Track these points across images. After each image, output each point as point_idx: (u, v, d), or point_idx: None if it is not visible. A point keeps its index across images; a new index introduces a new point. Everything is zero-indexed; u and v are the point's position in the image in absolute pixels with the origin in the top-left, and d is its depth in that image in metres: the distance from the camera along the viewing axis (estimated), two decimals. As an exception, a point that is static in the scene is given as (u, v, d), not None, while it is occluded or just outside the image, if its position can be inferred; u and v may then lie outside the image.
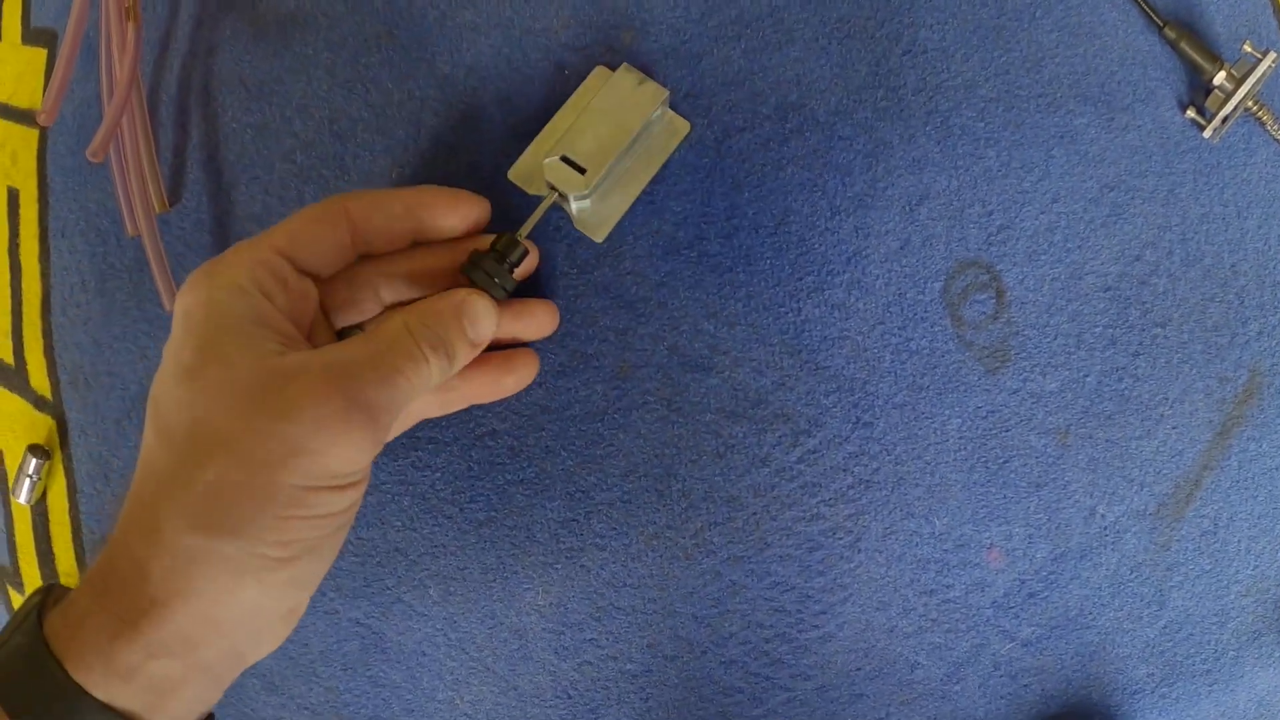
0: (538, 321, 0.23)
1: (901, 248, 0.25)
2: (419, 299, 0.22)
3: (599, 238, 0.23)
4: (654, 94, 0.23)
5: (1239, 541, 0.30)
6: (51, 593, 0.20)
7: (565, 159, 0.22)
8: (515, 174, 0.24)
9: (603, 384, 0.24)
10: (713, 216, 0.24)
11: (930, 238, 0.25)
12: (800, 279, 0.24)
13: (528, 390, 0.24)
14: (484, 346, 0.21)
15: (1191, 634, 0.30)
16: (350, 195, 0.22)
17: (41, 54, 0.34)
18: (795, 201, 0.24)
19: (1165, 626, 0.30)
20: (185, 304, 0.20)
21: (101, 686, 0.18)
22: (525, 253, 0.22)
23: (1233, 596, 0.31)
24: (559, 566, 0.24)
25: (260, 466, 0.18)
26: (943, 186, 0.25)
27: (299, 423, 0.18)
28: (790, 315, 0.24)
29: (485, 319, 0.21)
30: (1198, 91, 0.30)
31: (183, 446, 0.19)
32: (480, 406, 0.24)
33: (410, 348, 0.20)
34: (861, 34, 0.26)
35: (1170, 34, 0.29)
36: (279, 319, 0.20)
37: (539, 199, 0.23)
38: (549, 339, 0.24)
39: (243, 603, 0.19)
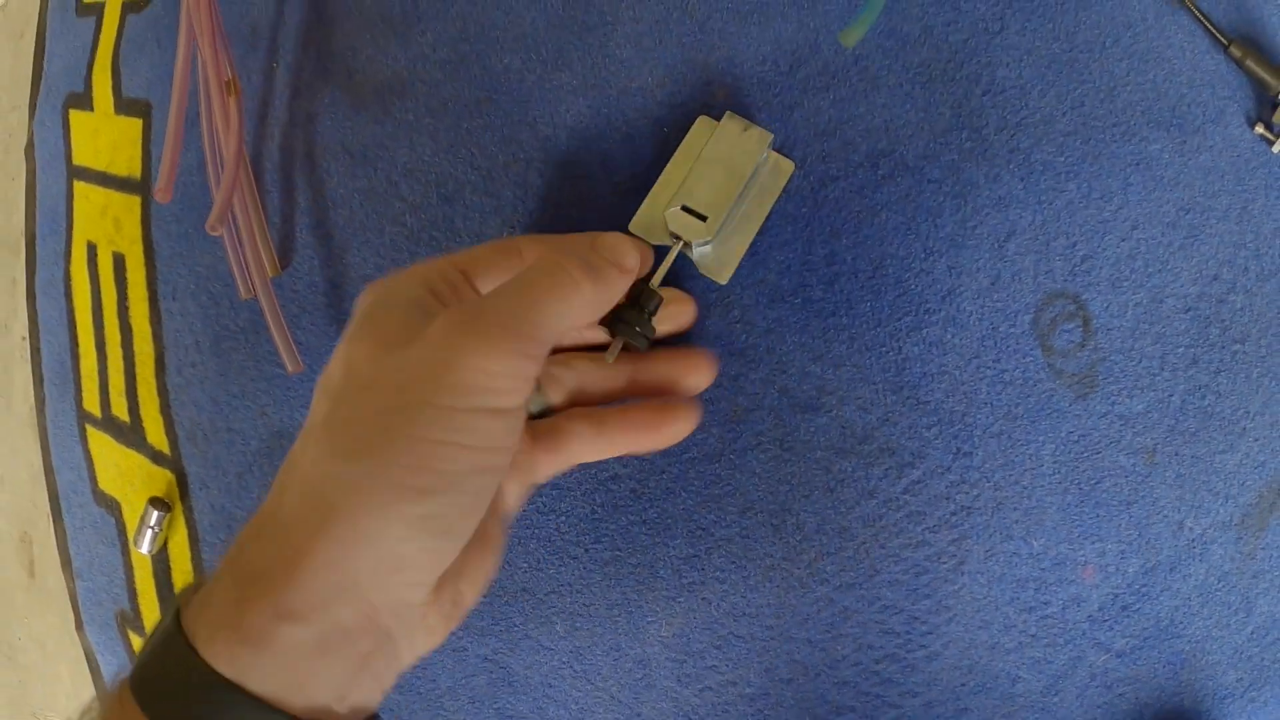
0: (694, 364, 0.24)
1: (992, 284, 0.27)
2: (573, 349, 0.24)
3: (723, 279, 0.26)
4: (760, 138, 0.25)
5: (1321, 545, 0.32)
6: (185, 596, 0.19)
7: (686, 208, 0.24)
8: (636, 226, 0.26)
9: (718, 427, 0.26)
10: (813, 264, 0.26)
11: (1019, 272, 0.27)
12: (899, 319, 0.26)
13: (647, 436, 0.26)
14: (632, 275, 0.22)
15: (1278, 639, 0.32)
16: (527, 237, 0.23)
17: (137, 124, 0.37)
18: (890, 245, 0.26)
19: (1253, 632, 0.32)
20: (359, 302, 0.21)
21: (229, 661, 0.17)
22: (660, 301, 0.24)
23: (1317, 599, 0.33)
24: (681, 600, 0.27)
25: (395, 391, 0.18)
26: (1028, 222, 0.27)
27: (430, 344, 0.19)
28: (891, 354, 0.26)
29: (619, 244, 0.22)
30: (1265, 107, 0.32)
31: (331, 395, 0.19)
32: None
33: (553, 264, 0.20)
34: (942, 77, 0.28)
35: (1235, 52, 0.31)
36: (438, 309, 0.20)
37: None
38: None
39: (379, 548, 0.18)
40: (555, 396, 0.25)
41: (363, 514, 0.17)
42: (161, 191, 0.29)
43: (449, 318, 0.19)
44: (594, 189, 0.28)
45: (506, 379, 0.19)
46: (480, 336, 0.18)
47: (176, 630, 0.18)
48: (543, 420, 0.24)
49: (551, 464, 0.23)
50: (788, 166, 0.26)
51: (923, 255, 0.26)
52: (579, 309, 0.20)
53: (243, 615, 0.17)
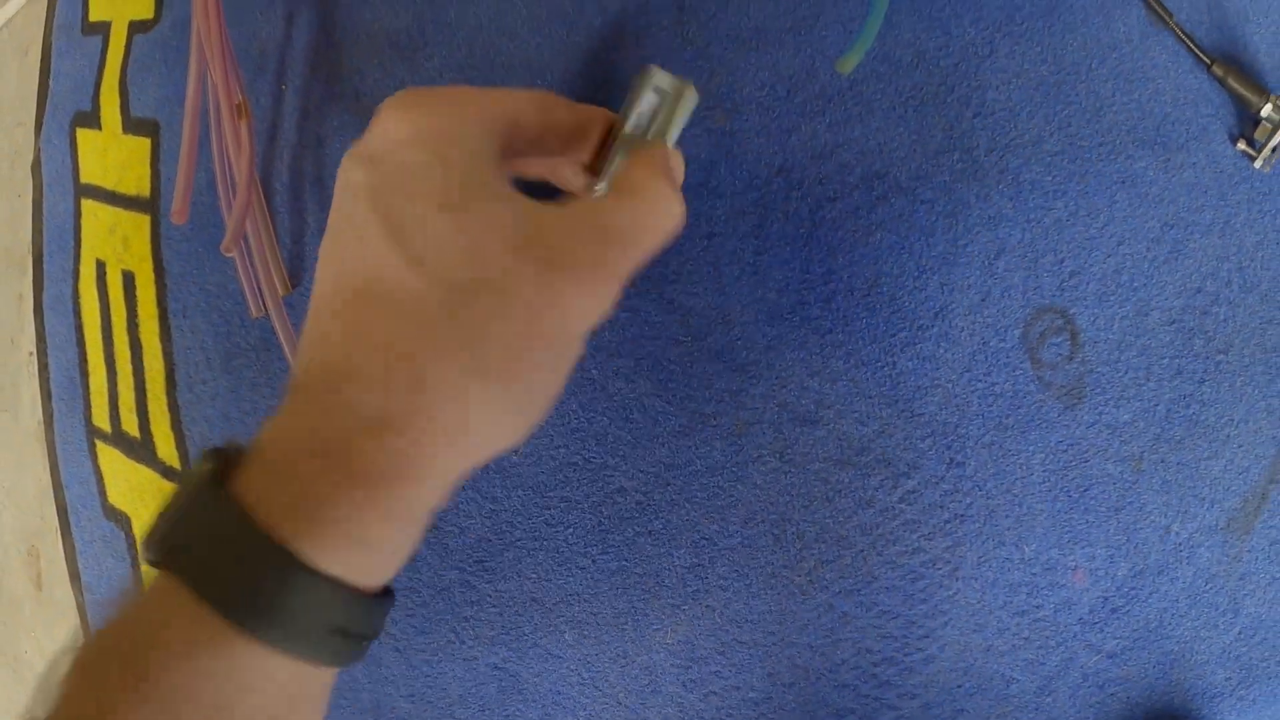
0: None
1: (983, 300, 0.29)
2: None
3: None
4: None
5: (1307, 548, 0.34)
6: (227, 460, 0.18)
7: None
8: None
9: (720, 441, 0.28)
10: (811, 282, 0.28)
11: (1008, 288, 0.29)
12: (894, 335, 0.28)
13: (652, 449, 0.28)
14: None
15: (1266, 638, 0.34)
16: (564, 103, 0.23)
17: (145, 143, 0.38)
18: (885, 264, 0.28)
19: (1240, 633, 0.34)
20: (429, 127, 0.20)
21: (317, 551, 0.17)
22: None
23: (1303, 600, 0.34)
24: (686, 608, 0.28)
25: (526, 309, 0.18)
26: (1017, 240, 0.29)
27: (568, 276, 0.18)
28: (886, 369, 0.28)
29: (679, 162, 0.23)
30: (1247, 124, 0.33)
31: (449, 279, 0.18)
32: (609, 466, 0.28)
33: (667, 200, 0.20)
34: (934, 100, 0.30)
35: (1218, 71, 0.33)
36: (509, 173, 0.21)
37: None
38: (669, 402, 0.28)
39: (493, 447, 0.19)
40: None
41: (486, 423, 0.18)
42: (177, 214, 0.30)
43: (587, 259, 0.19)
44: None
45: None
46: (608, 284, 0.19)
47: (246, 521, 0.17)
48: None
49: None
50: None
51: (916, 273, 0.28)
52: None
53: (360, 516, 0.17)
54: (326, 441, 0.17)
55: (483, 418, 0.18)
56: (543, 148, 0.23)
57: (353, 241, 0.19)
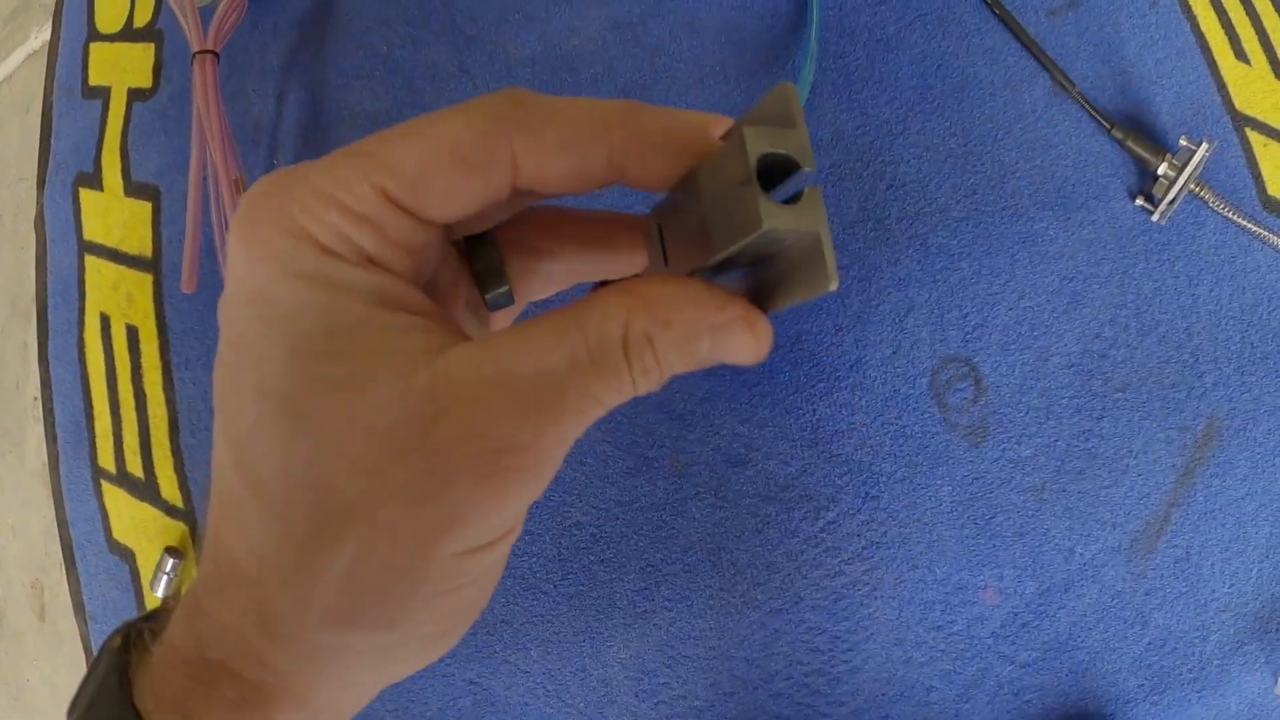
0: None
1: (894, 353, 0.35)
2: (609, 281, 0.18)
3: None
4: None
5: (1212, 565, 0.40)
6: (131, 644, 0.17)
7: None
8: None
9: (663, 480, 0.34)
10: (741, 341, 0.34)
11: (917, 341, 0.35)
12: (813, 385, 0.34)
13: (604, 489, 0.34)
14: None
15: (1175, 648, 0.40)
16: (519, 121, 0.15)
17: (147, 206, 0.44)
18: (805, 323, 0.34)
19: (1150, 643, 0.40)
20: (258, 278, 0.15)
21: None
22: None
23: (1212, 613, 0.40)
24: (636, 626, 0.34)
25: (409, 541, 0.14)
26: (925, 298, 0.35)
27: (458, 484, 0.14)
28: (807, 415, 0.34)
29: (754, 350, 0.15)
30: (1147, 180, 0.40)
31: (297, 518, 0.14)
32: (567, 503, 0.34)
33: (619, 369, 0.14)
34: (851, 176, 0.36)
35: (1118, 134, 0.39)
36: (404, 289, 0.15)
37: None
38: (617, 448, 0.34)
39: (386, 679, 0.17)
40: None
41: (377, 669, 0.16)
42: (186, 284, 0.36)
43: (426, 467, 0.14)
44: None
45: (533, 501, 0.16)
46: (519, 480, 0.14)
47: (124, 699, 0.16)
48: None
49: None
50: None
51: (833, 331, 0.34)
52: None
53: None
54: (208, 663, 0.16)
55: (374, 664, 0.16)
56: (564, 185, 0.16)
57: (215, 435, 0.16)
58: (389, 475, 0.14)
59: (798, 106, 0.15)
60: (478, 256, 0.18)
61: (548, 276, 0.19)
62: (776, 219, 0.14)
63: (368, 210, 0.15)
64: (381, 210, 0.15)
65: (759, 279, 0.16)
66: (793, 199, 0.14)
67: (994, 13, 0.39)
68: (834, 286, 0.14)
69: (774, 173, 0.15)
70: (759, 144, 0.14)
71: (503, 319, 0.21)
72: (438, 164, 0.15)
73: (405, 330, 0.15)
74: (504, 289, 0.18)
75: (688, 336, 0.15)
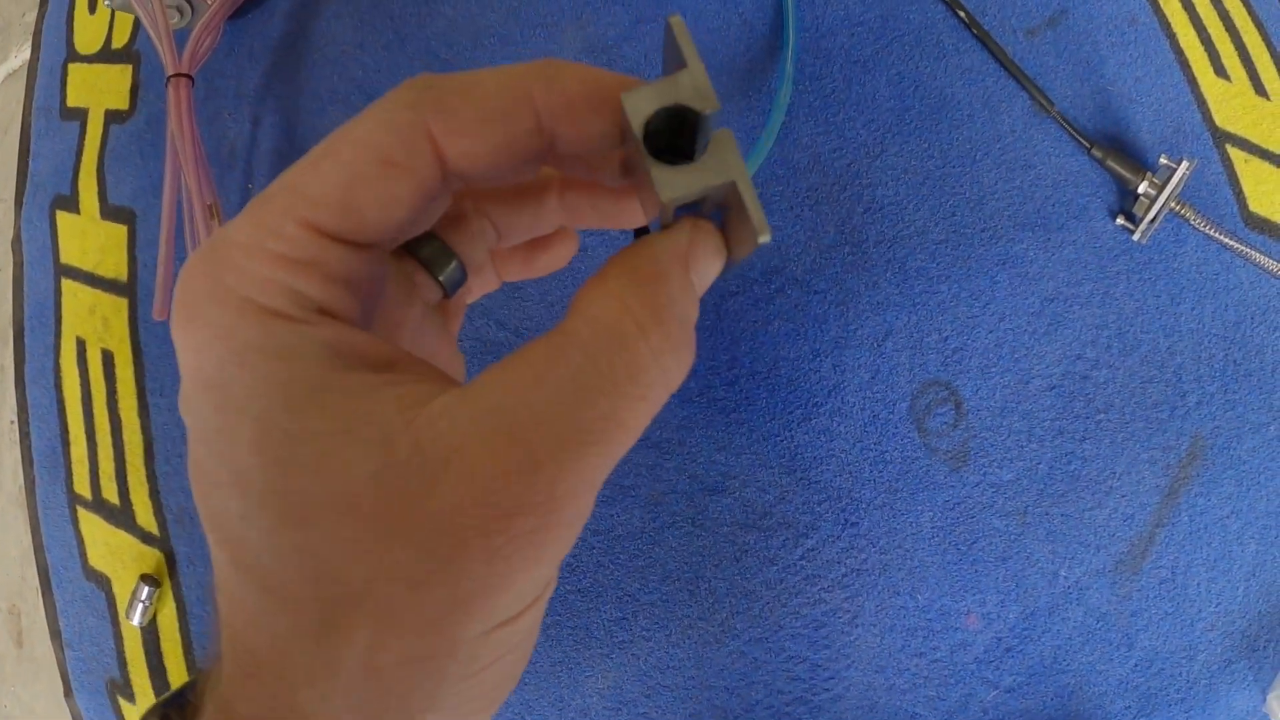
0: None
1: (872, 378, 0.35)
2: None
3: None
4: None
5: (1198, 585, 0.40)
6: None
7: None
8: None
9: (640, 509, 0.34)
10: (717, 368, 0.34)
11: (896, 366, 0.35)
12: (791, 412, 0.34)
13: (580, 518, 0.34)
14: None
15: (1163, 669, 0.40)
16: (434, 105, 0.14)
17: (122, 230, 0.44)
18: (783, 350, 0.34)
19: (1136, 665, 0.40)
20: (208, 364, 0.13)
21: None
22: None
23: (1199, 632, 0.40)
24: (614, 656, 0.34)
25: (424, 627, 0.13)
26: (904, 322, 0.35)
27: (468, 561, 0.12)
28: (785, 442, 0.34)
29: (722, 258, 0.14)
30: (1127, 199, 0.40)
31: (305, 611, 0.13)
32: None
33: (637, 365, 0.13)
34: (828, 199, 0.36)
35: (1097, 154, 0.39)
36: (361, 339, 0.14)
37: None
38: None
39: None
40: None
41: None
42: (158, 313, 0.36)
43: (427, 543, 0.13)
44: (532, 304, 0.35)
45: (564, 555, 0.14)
46: (541, 539, 0.13)
47: None
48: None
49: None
50: None
51: (811, 356, 0.34)
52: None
53: None
54: None
55: None
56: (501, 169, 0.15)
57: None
58: (388, 558, 0.13)
59: (687, 42, 0.13)
60: (418, 247, 0.17)
61: (483, 234, 0.18)
62: (676, 186, 0.13)
63: (302, 252, 0.13)
64: (316, 247, 0.14)
65: (725, 221, 0.15)
66: (705, 149, 0.13)
67: (972, 33, 0.39)
68: (765, 238, 0.13)
69: (681, 127, 0.13)
70: (640, 105, 0.13)
71: (458, 310, 0.20)
72: (361, 176, 0.14)
73: (373, 392, 0.13)
74: (453, 263, 0.18)
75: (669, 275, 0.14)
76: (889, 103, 0.37)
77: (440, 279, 0.18)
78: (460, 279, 0.18)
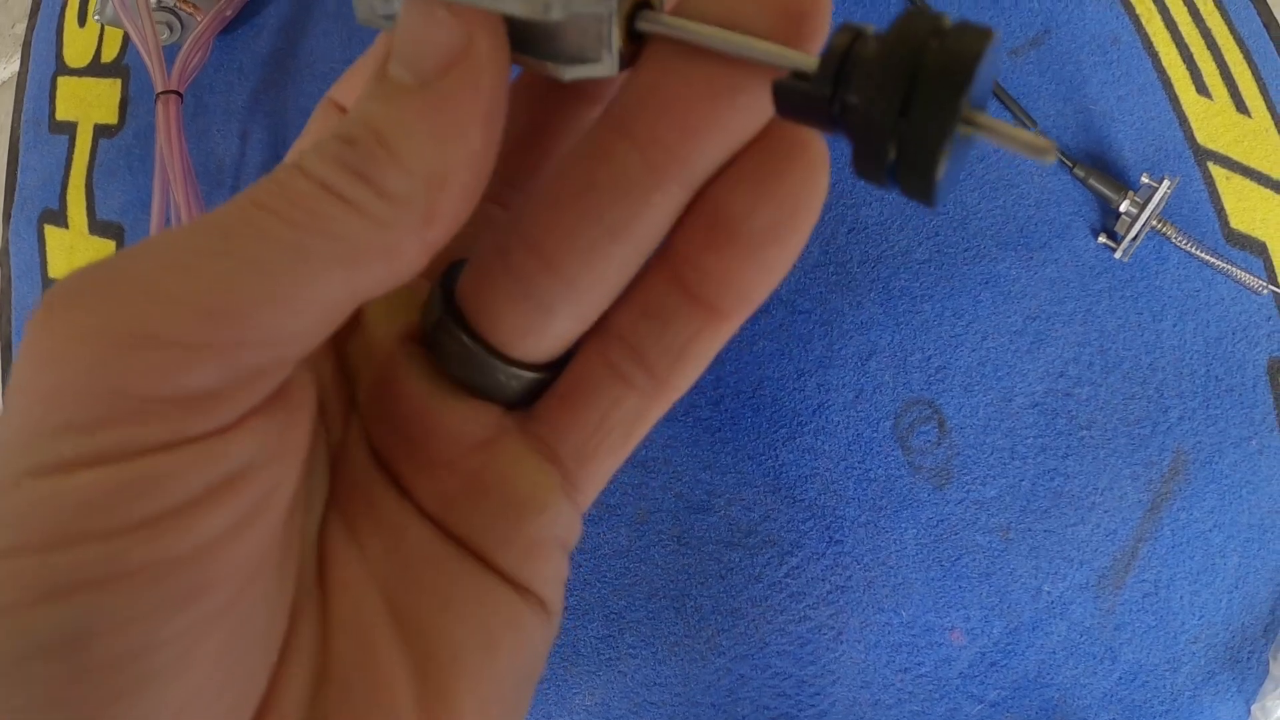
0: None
1: (856, 397, 0.35)
2: None
3: None
4: None
5: (1181, 598, 0.41)
6: None
7: None
8: None
9: (625, 528, 0.34)
10: (702, 387, 0.34)
11: (880, 385, 0.35)
12: (776, 431, 0.34)
13: (566, 537, 0.34)
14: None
15: (1147, 681, 0.40)
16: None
17: (110, 245, 0.45)
18: (767, 369, 0.35)
19: (1120, 678, 0.40)
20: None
21: None
22: None
23: (1182, 645, 0.41)
24: (601, 674, 0.34)
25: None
26: (887, 341, 0.36)
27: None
28: (770, 461, 0.34)
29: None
30: (1109, 218, 0.40)
31: None
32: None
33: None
34: (813, 219, 0.36)
35: (1080, 173, 0.40)
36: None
37: None
38: (580, 493, 0.35)
39: None
40: None
41: None
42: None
43: None
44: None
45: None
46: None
47: None
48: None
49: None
50: None
51: (795, 376, 0.35)
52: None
53: None
54: None
55: None
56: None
57: None
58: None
59: None
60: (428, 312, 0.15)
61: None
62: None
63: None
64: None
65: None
66: None
67: (956, 53, 0.39)
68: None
69: None
70: None
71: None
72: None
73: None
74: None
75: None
76: (874, 123, 0.38)
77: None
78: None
